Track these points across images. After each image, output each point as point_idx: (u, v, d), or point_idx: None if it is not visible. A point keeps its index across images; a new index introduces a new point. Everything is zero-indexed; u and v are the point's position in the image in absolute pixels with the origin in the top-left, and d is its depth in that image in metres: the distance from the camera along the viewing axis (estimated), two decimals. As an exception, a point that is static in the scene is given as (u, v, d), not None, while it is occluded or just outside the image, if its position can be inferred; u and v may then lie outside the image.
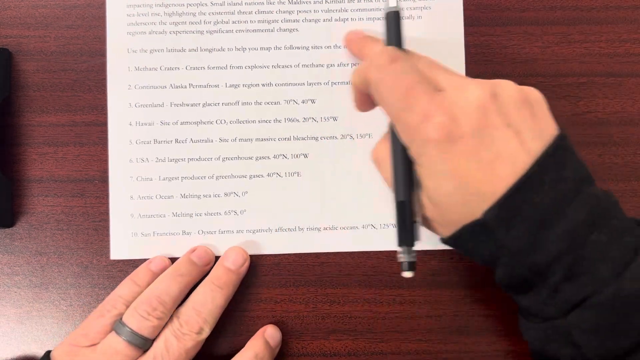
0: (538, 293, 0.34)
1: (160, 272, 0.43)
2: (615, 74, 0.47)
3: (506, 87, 0.35)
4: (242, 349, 0.43)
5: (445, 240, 0.37)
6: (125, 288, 0.42)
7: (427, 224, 0.38)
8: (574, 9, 0.47)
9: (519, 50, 0.47)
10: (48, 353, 0.41)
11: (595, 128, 0.47)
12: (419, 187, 0.37)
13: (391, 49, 0.37)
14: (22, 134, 0.46)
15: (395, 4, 0.39)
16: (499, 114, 0.34)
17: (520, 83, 0.46)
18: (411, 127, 0.35)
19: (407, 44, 0.46)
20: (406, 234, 0.38)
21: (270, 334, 0.44)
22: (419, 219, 0.38)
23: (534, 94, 0.36)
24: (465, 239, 0.36)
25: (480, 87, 0.34)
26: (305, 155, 0.45)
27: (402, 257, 0.38)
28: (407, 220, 0.38)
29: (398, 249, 0.38)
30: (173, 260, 0.44)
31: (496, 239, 0.34)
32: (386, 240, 0.45)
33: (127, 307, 0.41)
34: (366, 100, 0.39)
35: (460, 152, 0.34)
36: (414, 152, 0.36)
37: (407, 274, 0.38)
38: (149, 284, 0.42)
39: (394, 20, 0.39)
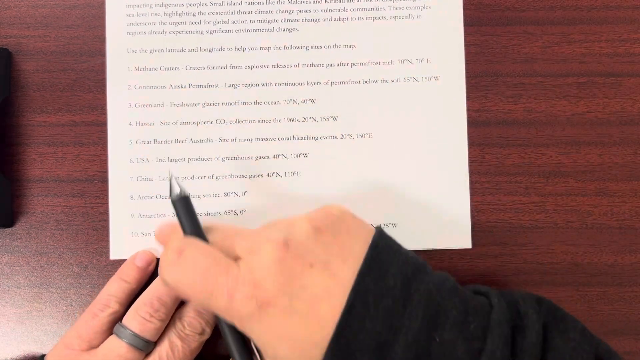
0: None
1: (146, 266, 0.43)
2: (615, 74, 0.47)
3: (297, 227, 0.34)
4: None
5: None
6: (114, 286, 0.42)
7: None
8: (574, 9, 0.47)
9: (519, 50, 0.47)
10: (42, 357, 0.41)
11: (595, 128, 0.46)
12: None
13: (175, 241, 0.35)
14: (22, 134, 0.46)
15: (184, 193, 0.37)
16: (297, 258, 0.33)
17: (520, 83, 0.46)
18: (223, 310, 0.33)
19: (406, 45, 0.46)
20: None
21: None
22: None
23: (331, 213, 0.35)
24: None
25: (270, 242, 0.33)
26: (305, 155, 0.45)
27: None
28: None
29: None
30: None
31: None
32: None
33: (119, 304, 0.41)
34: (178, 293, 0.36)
35: (277, 314, 0.32)
36: (240, 329, 0.34)
37: None
38: (136, 279, 0.42)
39: (182, 206, 0.37)
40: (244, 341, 0.37)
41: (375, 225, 0.36)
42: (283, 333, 0.32)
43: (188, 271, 0.34)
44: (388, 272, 0.32)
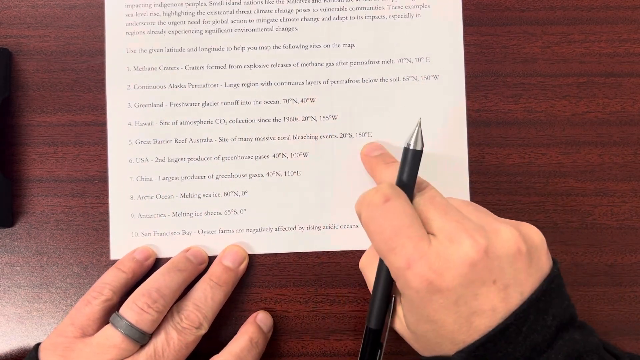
0: None
1: (144, 260, 0.44)
2: (615, 74, 0.47)
3: (502, 241, 0.34)
4: (236, 335, 0.43)
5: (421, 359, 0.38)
6: (110, 275, 0.42)
7: (406, 339, 0.39)
8: (574, 8, 0.47)
9: (519, 50, 0.47)
10: (37, 346, 0.40)
11: (595, 128, 0.46)
12: (395, 312, 0.39)
13: (387, 188, 0.36)
14: (22, 134, 0.46)
15: (420, 147, 0.38)
16: (488, 270, 0.33)
17: (520, 83, 0.46)
18: (394, 268, 0.35)
19: (406, 44, 0.46)
20: (369, 357, 0.40)
21: (261, 319, 0.44)
22: (383, 348, 0.40)
23: (532, 239, 0.35)
24: None
25: (472, 242, 0.33)
26: (305, 154, 0.45)
27: None
28: (372, 346, 0.39)
29: None
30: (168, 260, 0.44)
31: None
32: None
33: (113, 292, 0.41)
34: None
35: (439, 303, 0.33)
36: (398, 286, 0.36)
37: None
38: (133, 270, 0.43)
39: (412, 158, 0.38)
40: (387, 301, 0.39)
41: (553, 259, 0.37)
42: (434, 317, 0.34)
43: (385, 220, 0.35)
44: (549, 310, 0.34)
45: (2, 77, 0.45)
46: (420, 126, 0.38)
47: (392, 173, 0.39)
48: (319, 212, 0.45)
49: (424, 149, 0.38)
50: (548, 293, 0.34)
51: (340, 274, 0.45)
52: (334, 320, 0.45)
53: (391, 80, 0.46)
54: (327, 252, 0.45)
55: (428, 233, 0.35)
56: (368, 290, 0.45)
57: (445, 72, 0.46)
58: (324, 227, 0.45)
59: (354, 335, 0.45)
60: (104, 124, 0.45)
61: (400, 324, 0.39)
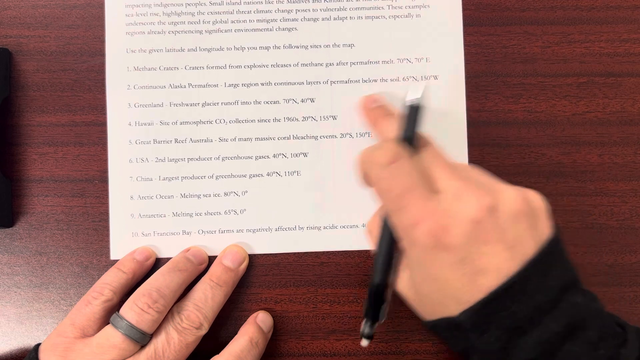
0: None
1: (144, 260, 0.44)
2: (615, 73, 0.47)
3: (507, 200, 0.35)
4: (236, 335, 0.43)
5: (423, 324, 0.39)
6: (110, 275, 0.42)
7: (409, 303, 0.40)
8: (574, 8, 0.47)
9: (519, 50, 0.47)
10: (37, 346, 0.40)
11: (595, 128, 0.46)
12: (398, 271, 0.39)
13: (393, 147, 0.37)
14: (22, 134, 0.46)
15: (417, 101, 0.38)
16: (493, 228, 0.34)
17: (520, 83, 0.46)
18: (402, 227, 0.36)
19: (406, 44, 0.46)
20: (373, 312, 0.40)
21: (261, 319, 0.44)
22: (387, 303, 0.40)
23: (535, 202, 0.36)
24: (440, 330, 0.37)
25: (478, 199, 0.34)
26: (305, 155, 0.45)
27: (363, 328, 0.40)
28: (376, 301, 0.40)
29: (363, 320, 0.41)
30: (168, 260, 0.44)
31: (469, 339, 0.35)
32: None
33: (114, 293, 0.41)
34: (368, 183, 0.39)
35: (445, 261, 0.34)
36: (404, 245, 0.37)
37: (364, 343, 0.41)
38: (133, 270, 0.43)
39: (413, 113, 0.38)
40: (390, 258, 0.39)
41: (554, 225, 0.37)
42: (439, 276, 0.35)
43: (392, 180, 0.36)
44: (550, 272, 0.34)
45: (2, 77, 0.45)
46: (426, 85, 0.39)
47: (394, 127, 0.40)
48: (319, 212, 0.45)
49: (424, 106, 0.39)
50: (548, 255, 0.35)
51: (340, 274, 0.45)
52: (334, 320, 0.45)
53: (391, 80, 0.46)
54: (327, 252, 0.45)
55: (433, 191, 0.36)
56: (367, 283, 0.45)
57: (445, 72, 0.46)
58: (324, 227, 0.45)
59: (354, 335, 0.45)
60: (104, 124, 0.45)
61: (403, 285, 0.39)
